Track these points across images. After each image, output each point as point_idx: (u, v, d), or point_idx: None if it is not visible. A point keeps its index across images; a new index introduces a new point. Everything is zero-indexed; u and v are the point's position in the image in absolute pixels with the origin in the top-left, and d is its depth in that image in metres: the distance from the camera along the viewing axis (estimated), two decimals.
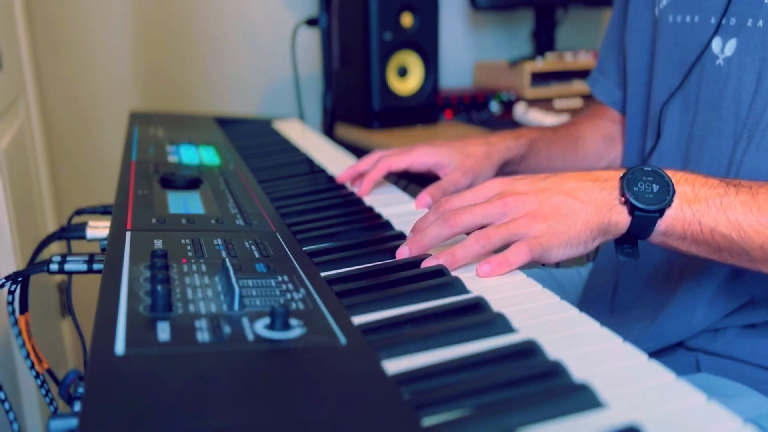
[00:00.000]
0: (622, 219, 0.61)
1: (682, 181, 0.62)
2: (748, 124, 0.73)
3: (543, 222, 0.61)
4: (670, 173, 0.62)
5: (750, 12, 0.72)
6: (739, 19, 0.73)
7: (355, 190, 0.91)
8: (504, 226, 0.61)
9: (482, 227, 0.63)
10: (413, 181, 1.45)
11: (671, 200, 0.60)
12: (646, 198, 0.60)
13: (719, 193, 0.61)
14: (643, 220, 0.60)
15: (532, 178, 0.65)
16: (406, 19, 1.56)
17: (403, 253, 0.64)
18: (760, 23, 0.71)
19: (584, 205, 0.61)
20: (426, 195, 0.84)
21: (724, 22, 0.75)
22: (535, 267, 1.22)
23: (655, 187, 0.60)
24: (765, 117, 0.71)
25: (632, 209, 0.60)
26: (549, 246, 0.60)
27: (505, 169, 0.94)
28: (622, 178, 0.61)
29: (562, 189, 0.62)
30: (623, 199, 0.61)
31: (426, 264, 0.62)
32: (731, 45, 0.74)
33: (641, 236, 0.62)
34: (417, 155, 0.89)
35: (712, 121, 0.77)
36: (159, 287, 0.49)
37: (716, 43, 0.76)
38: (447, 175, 0.88)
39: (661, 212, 0.60)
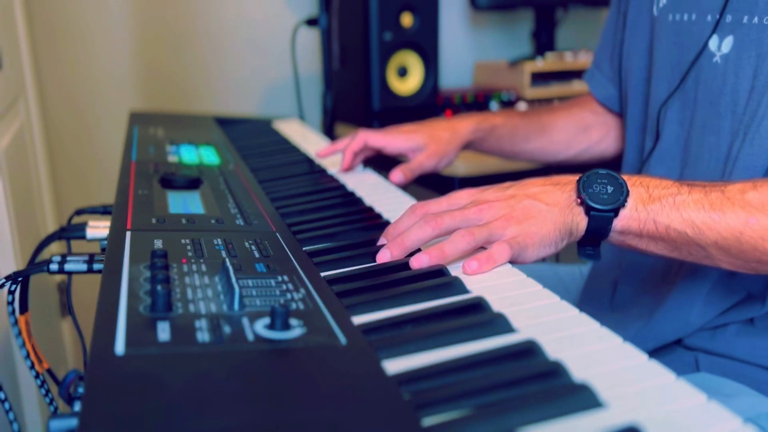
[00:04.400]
0: (581, 219, 0.64)
1: (636, 183, 0.64)
2: (744, 120, 0.74)
3: (517, 224, 0.63)
4: (625, 177, 0.65)
5: (746, 9, 0.73)
6: (736, 17, 0.74)
7: (349, 185, 0.92)
8: (485, 226, 0.63)
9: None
10: (413, 181, 1.45)
11: (625, 200, 0.63)
12: (600, 198, 0.63)
13: (672, 192, 0.63)
14: (600, 220, 0.63)
15: (499, 187, 0.68)
16: (406, 19, 1.56)
17: (384, 256, 0.64)
18: (756, 20, 0.72)
19: (550, 207, 0.64)
20: (398, 171, 0.94)
21: (720, 20, 0.75)
22: (539, 262, 1.22)
23: (610, 189, 0.63)
24: (760, 112, 0.72)
25: (588, 209, 0.63)
26: (525, 245, 0.63)
27: (468, 149, 1.04)
28: (578, 181, 0.64)
29: (528, 193, 0.65)
30: (579, 200, 0.64)
31: (413, 263, 0.62)
32: (728, 42, 0.75)
33: (600, 236, 0.64)
34: (392, 138, 0.98)
35: (711, 119, 0.78)
36: (159, 287, 0.49)
37: (713, 41, 0.77)
38: (414, 159, 0.97)
39: (615, 212, 0.63)
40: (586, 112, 1.06)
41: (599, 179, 0.63)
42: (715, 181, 0.66)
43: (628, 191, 0.63)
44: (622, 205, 0.62)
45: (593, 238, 0.65)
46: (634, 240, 0.64)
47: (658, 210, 0.62)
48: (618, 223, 0.63)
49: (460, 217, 0.64)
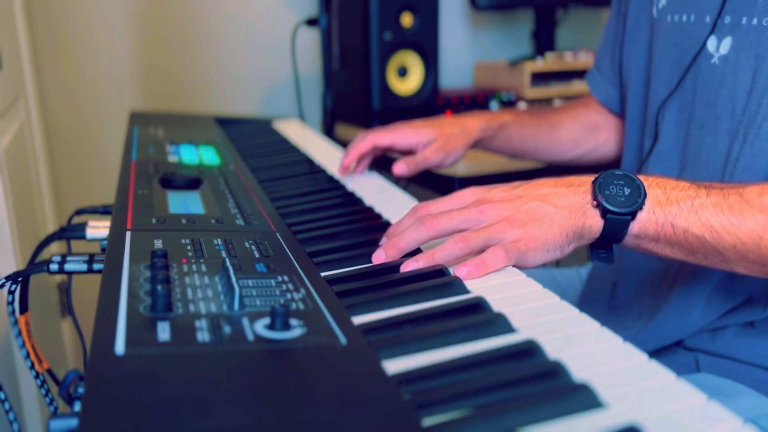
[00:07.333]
0: (595, 222, 0.61)
1: (653, 185, 0.62)
2: (743, 121, 0.74)
3: (519, 227, 0.61)
4: (642, 177, 0.62)
5: (745, 10, 0.73)
6: (734, 18, 0.74)
7: (349, 186, 0.92)
8: (482, 231, 0.61)
9: (458, 232, 0.63)
10: (413, 181, 1.45)
11: (642, 203, 0.60)
12: (617, 201, 0.60)
13: (690, 195, 0.61)
14: (616, 223, 0.61)
15: (507, 186, 0.66)
16: (406, 19, 1.56)
17: (379, 257, 0.64)
18: (755, 21, 0.72)
19: (559, 210, 0.62)
20: (402, 163, 0.92)
21: (719, 21, 0.75)
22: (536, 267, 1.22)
23: (627, 191, 0.60)
24: (760, 114, 0.72)
25: (604, 212, 0.61)
26: (526, 250, 0.61)
27: (476, 147, 1.02)
28: (593, 182, 0.62)
29: (536, 195, 0.63)
30: (595, 202, 0.61)
31: (404, 267, 0.61)
32: (726, 43, 0.75)
33: (615, 240, 0.62)
34: (402, 134, 0.96)
35: (709, 120, 0.77)
36: (159, 287, 0.49)
37: (711, 42, 0.77)
38: (420, 153, 0.95)
39: (632, 215, 0.60)
40: (592, 112, 1.05)
41: (615, 180, 0.61)
42: (714, 182, 0.65)
43: (645, 193, 0.61)
44: (640, 208, 0.60)
45: (607, 242, 0.63)
46: (650, 244, 0.62)
47: (675, 213, 0.60)
48: (634, 226, 0.61)
49: (458, 219, 0.63)
